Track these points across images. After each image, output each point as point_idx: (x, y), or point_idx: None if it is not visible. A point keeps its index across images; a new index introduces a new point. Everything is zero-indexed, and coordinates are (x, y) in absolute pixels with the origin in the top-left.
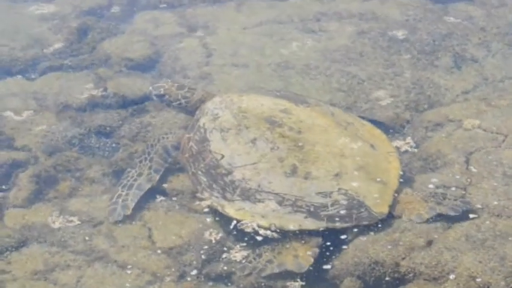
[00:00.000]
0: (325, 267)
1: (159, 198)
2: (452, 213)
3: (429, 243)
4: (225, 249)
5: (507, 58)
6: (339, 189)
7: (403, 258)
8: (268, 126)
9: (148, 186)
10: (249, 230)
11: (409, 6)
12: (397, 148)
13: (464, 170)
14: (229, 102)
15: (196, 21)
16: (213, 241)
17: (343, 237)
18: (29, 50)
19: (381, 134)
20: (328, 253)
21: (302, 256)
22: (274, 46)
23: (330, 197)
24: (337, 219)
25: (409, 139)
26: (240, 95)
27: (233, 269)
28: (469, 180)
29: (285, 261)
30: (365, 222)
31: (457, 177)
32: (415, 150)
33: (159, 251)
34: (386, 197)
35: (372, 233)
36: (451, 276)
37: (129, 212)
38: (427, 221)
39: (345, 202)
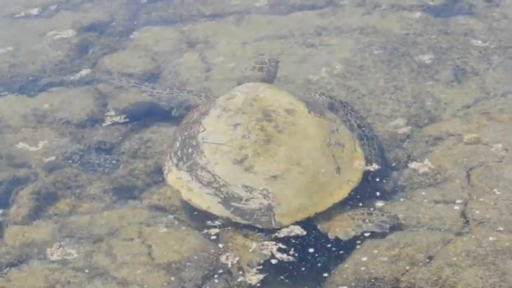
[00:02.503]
0: (325, 283)
1: (159, 214)
2: (378, 230)
3: (429, 258)
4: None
5: (508, 71)
6: (263, 189)
7: (403, 274)
8: (259, 117)
9: (134, 85)
10: (267, 252)
11: (410, 20)
12: (415, 170)
13: (465, 184)
14: (252, 89)
15: (196, 36)
16: (213, 257)
17: (341, 252)
18: (29, 66)
19: (361, 166)
20: (327, 269)
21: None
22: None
23: (250, 193)
24: (239, 213)
25: (426, 161)
26: (269, 87)
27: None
28: (470, 195)
29: (247, 260)
30: (259, 226)
31: (458, 192)
32: (435, 172)
33: (159, 268)
34: (300, 214)
35: (372, 249)
36: None
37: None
38: (430, 236)
39: (257, 201)
